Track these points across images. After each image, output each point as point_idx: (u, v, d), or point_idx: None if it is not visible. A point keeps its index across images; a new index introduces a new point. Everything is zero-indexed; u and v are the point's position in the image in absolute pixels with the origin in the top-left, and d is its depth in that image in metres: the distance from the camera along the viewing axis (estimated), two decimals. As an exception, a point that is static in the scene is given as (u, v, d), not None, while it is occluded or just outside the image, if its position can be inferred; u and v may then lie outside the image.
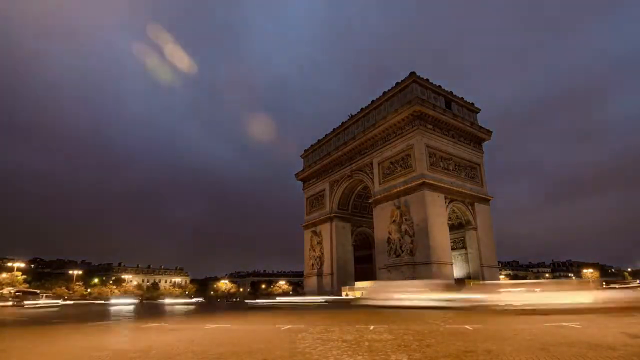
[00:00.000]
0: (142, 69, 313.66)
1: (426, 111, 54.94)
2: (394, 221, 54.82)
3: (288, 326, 14.60)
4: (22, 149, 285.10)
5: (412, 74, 57.43)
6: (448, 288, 34.17)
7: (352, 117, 69.76)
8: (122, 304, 66.15)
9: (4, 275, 78.18)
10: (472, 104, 64.47)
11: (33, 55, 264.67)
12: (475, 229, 56.96)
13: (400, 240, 53.50)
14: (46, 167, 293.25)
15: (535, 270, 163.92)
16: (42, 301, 54.12)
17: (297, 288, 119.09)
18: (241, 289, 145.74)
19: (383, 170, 59.74)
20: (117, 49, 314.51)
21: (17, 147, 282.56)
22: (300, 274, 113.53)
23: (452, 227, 55.89)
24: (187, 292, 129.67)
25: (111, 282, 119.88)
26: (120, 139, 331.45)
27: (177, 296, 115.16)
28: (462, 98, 62.34)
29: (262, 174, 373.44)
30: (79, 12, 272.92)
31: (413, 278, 49.62)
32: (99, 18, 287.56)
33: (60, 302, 63.45)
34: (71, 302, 72.21)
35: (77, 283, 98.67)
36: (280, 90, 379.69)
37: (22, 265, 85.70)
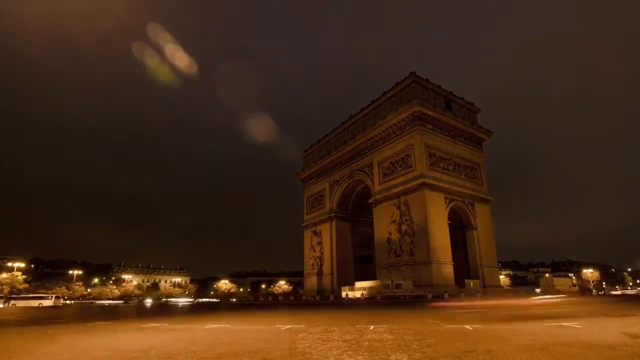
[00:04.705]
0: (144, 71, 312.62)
1: (426, 111, 54.93)
2: (394, 221, 54.81)
3: (288, 326, 14.59)
4: (23, 149, 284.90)
5: (412, 74, 57.36)
6: None
7: (352, 117, 69.71)
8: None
9: (4, 275, 78.08)
10: (472, 104, 64.45)
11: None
12: (475, 229, 56.96)
13: (400, 240, 53.49)
14: (46, 168, 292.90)
15: (535, 270, 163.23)
16: None
17: (298, 288, 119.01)
18: (241, 289, 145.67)
19: (383, 170, 59.72)
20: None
21: (18, 147, 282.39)
22: (300, 274, 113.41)
23: (452, 227, 55.98)
24: (187, 292, 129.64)
25: (111, 282, 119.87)
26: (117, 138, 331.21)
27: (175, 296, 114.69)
28: (462, 98, 62.33)
29: (262, 174, 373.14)
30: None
31: (413, 278, 49.58)
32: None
33: None
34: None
35: (77, 283, 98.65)
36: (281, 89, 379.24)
37: (22, 265, 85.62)
